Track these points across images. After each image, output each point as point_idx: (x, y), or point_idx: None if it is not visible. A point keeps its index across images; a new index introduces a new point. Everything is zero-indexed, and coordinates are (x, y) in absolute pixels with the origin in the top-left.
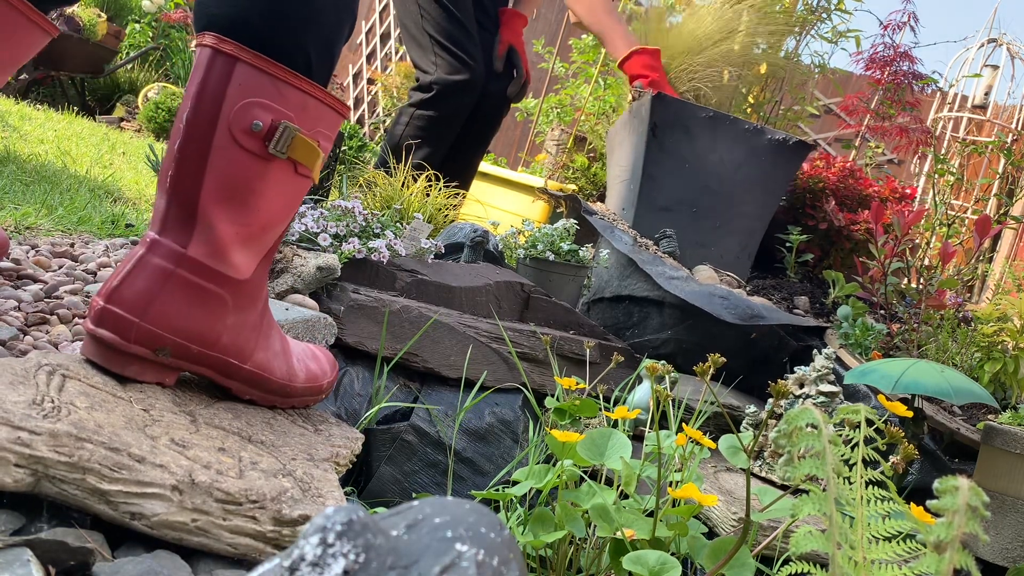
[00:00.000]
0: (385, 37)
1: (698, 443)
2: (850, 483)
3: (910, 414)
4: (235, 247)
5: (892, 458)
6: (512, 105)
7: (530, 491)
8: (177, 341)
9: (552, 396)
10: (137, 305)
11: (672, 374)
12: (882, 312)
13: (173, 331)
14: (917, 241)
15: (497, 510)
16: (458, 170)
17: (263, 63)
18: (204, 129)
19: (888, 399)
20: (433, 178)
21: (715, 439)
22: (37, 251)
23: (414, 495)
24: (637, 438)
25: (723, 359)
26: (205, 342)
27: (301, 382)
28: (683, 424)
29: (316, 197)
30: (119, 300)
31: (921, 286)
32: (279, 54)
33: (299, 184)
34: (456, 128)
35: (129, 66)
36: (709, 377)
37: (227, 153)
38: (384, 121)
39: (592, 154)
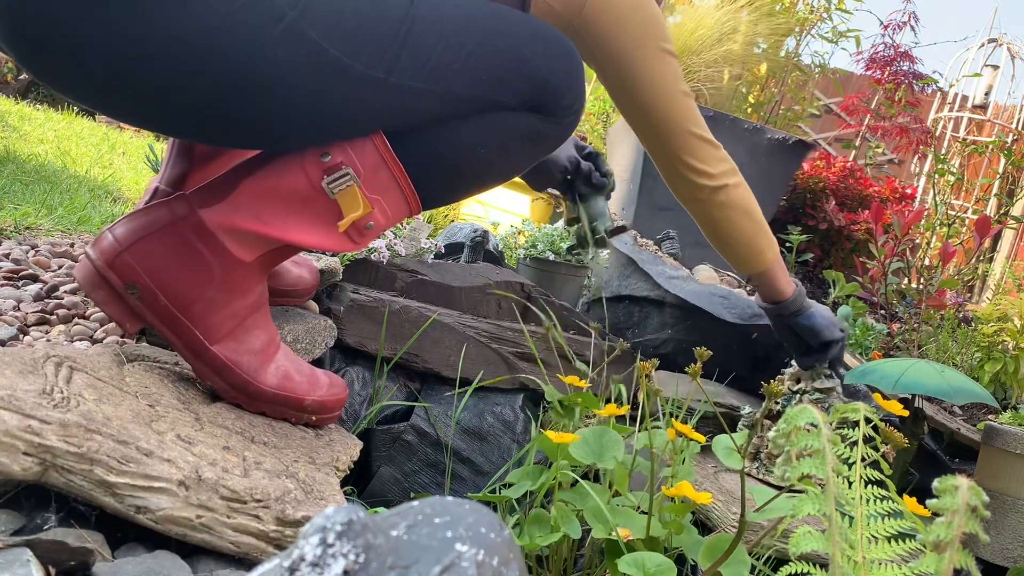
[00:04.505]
0: None
1: (688, 440)
2: (849, 482)
3: (906, 412)
4: (241, 236)
5: (882, 447)
6: None
7: (528, 491)
8: (148, 285)
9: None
10: (128, 237)
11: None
12: (882, 312)
13: (149, 272)
14: (917, 241)
15: (496, 510)
16: None
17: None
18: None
19: (887, 399)
20: None
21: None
22: (37, 251)
23: (414, 495)
24: None
25: (710, 353)
26: (176, 300)
27: (269, 386)
28: (672, 420)
29: None
30: (117, 228)
31: (921, 286)
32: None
33: (330, 233)
34: None
35: None
36: (700, 376)
37: (291, 166)
38: None
39: None
